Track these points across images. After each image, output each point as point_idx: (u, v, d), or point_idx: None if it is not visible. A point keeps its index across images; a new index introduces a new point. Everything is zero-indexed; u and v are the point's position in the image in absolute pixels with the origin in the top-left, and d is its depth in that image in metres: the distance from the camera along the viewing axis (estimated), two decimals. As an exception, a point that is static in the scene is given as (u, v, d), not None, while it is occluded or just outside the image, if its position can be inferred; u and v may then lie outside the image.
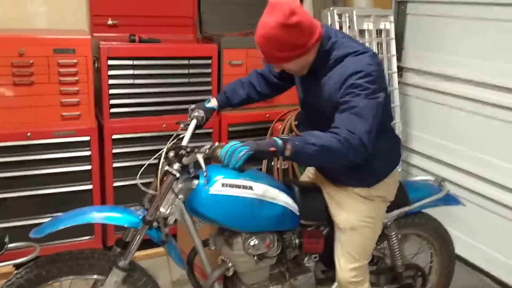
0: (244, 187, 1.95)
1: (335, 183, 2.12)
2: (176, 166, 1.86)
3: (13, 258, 2.50)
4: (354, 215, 2.06)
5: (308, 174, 2.36)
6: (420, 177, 2.77)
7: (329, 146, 1.71)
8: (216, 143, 1.78)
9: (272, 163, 3.11)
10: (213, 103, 2.23)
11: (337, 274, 2.12)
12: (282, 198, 2.05)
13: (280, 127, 3.15)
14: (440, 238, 2.51)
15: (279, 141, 1.71)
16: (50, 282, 1.88)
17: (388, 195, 2.14)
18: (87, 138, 2.90)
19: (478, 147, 3.13)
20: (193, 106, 2.21)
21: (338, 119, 1.79)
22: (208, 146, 1.78)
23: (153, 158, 1.99)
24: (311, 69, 1.96)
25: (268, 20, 1.79)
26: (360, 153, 1.75)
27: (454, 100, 3.28)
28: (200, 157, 1.77)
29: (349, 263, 2.09)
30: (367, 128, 1.75)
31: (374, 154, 1.89)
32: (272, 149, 1.70)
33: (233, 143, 1.70)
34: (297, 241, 2.14)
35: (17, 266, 2.45)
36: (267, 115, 3.33)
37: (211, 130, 3.22)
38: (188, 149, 1.87)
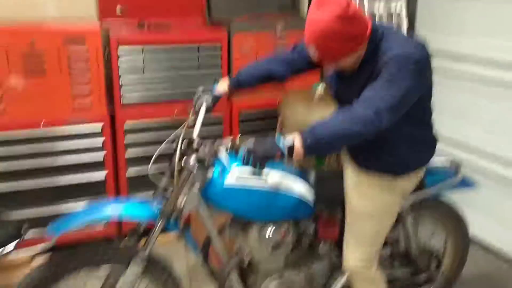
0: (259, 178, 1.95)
1: (360, 165, 2.04)
2: (193, 159, 1.85)
3: (29, 246, 2.54)
4: (371, 203, 2.02)
5: None
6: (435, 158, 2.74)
7: (340, 131, 1.68)
8: (238, 138, 1.76)
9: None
10: (223, 86, 2.18)
11: (344, 258, 2.09)
12: (298, 187, 2.03)
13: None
14: (454, 220, 2.49)
15: (282, 146, 1.67)
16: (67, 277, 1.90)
17: (408, 191, 2.10)
18: (100, 127, 2.90)
19: (492, 127, 3.10)
20: (200, 88, 2.15)
21: (366, 90, 1.74)
22: (229, 141, 1.76)
23: (162, 145, 2.03)
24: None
25: (322, 15, 1.70)
26: (374, 126, 1.68)
27: (466, 79, 3.23)
28: (223, 154, 1.75)
29: (357, 251, 2.05)
30: (389, 103, 1.68)
31: (405, 143, 1.86)
32: (279, 154, 1.67)
33: (242, 150, 1.68)
34: (312, 228, 2.15)
35: (34, 256, 2.49)
36: (279, 101, 3.30)
37: (222, 116, 3.21)
38: (206, 142, 1.86)
